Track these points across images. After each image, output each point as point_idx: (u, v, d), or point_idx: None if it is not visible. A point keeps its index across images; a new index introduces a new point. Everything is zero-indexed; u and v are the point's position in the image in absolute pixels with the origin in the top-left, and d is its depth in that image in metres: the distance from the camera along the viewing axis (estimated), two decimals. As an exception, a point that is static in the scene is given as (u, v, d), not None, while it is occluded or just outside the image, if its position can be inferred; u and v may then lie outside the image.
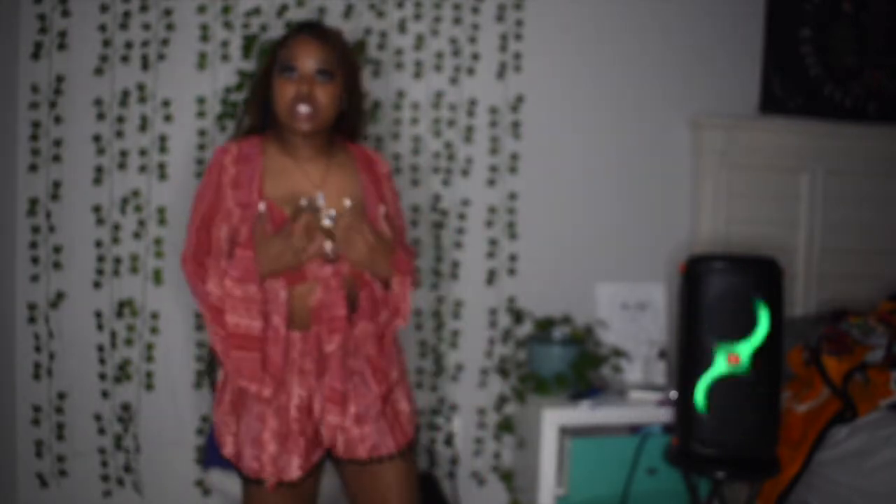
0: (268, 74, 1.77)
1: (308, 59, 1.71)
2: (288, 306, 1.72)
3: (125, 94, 2.67)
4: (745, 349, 2.17)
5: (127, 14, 2.65)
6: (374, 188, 1.84)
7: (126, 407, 2.73)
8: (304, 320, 1.75)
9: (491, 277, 2.92)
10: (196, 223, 1.77)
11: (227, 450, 1.78)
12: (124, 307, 2.71)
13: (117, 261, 2.71)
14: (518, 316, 2.93)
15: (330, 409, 1.75)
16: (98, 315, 2.70)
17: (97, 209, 2.69)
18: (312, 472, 1.80)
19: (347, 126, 1.86)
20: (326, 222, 1.71)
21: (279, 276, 1.71)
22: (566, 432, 2.60)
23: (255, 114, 1.83)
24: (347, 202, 1.74)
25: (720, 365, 2.18)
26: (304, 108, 1.71)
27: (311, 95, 1.71)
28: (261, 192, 1.72)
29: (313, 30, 1.76)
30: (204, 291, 1.72)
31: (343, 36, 1.83)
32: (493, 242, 2.92)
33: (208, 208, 1.75)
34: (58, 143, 2.66)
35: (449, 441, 2.90)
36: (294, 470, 1.74)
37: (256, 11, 2.72)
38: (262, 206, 1.70)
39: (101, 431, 2.72)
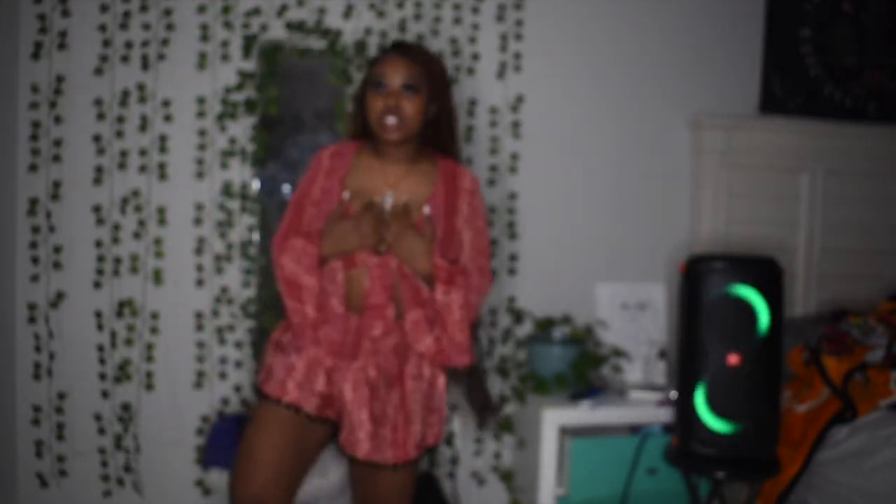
0: (364, 90, 1.96)
1: (395, 76, 1.90)
2: (345, 288, 1.89)
3: (125, 94, 2.67)
4: (744, 349, 2.17)
5: (127, 14, 2.66)
6: (450, 199, 1.97)
7: (126, 407, 2.73)
8: (354, 302, 1.91)
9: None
10: (292, 206, 1.98)
11: (260, 375, 1.96)
12: (124, 307, 2.71)
13: (117, 261, 2.71)
14: (518, 316, 2.93)
15: (356, 386, 1.89)
16: (98, 315, 2.71)
17: (97, 209, 2.69)
18: (323, 424, 1.93)
19: (439, 139, 2.03)
20: (386, 203, 1.92)
21: (337, 260, 1.89)
22: (566, 432, 2.60)
23: (357, 124, 2.04)
24: (427, 209, 1.92)
25: (720, 365, 2.17)
26: (391, 120, 1.89)
27: (397, 108, 1.89)
28: (343, 182, 1.94)
29: (400, 48, 1.95)
30: (280, 264, 1.90)
31: (429, 53, 1.99)
32: (493, 242, 2.92)
33: (302, 194, 1.98)
34: (58, 143, 2.66)
35: (449, 441, 2.90)
36: (313, 402, 1.89)
37: (256, 11, 2.72)
38: (346, 195, 1.91)
39: (101, 431, 2.72)
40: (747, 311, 2.18)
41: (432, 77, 1.94)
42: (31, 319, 2.68)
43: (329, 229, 1.88)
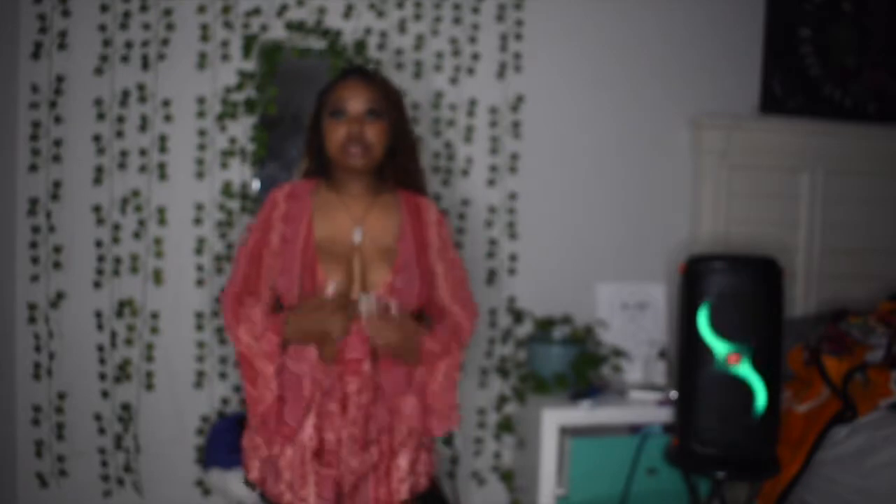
0: (318, 120, 1.86)
1: (356, 101, 1.79)
2: (318, 364, 1.77)
3: (125, 94, 2.67)
4: (745, 349, 2.17)
5: (127, 14, 2.66)
6: (417, 233, 1.87)
7: (126, 407, 2.73)
8: (329, 356, 1.78)
9: (491, 277, 2.92)
10: (245, 257, 1.84)
11: (252, 474, 1.83)
12: (124, 307, 2.71)
13: (117, 261, 2.71)
14: (518, 316, 2.93)
15: (355, 452, 1.78)
16: (98, 315, 2.70)
17: (97, 209, 2.69)
18: None
19: (399, 170, 1.90)
20: (363, 306, 1.76)
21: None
22: (566, 432, 2.60)
23: (311, 158, 1.92)
24: (393, 305, 1.78)
25: (720, 364, 2.18)
26: (355, 148, 1.78)
27: (361, 134, 1.78)
28: (310, 228, 1.80)
29: (359, 73, 1.85)
30: (236, 336, 1.80)
31: (387, 78, 1.90)
32: (493, 242, 2.92)
33: (257, 242, 1.83)
34: (58, 143, 2.66)
35: (449, 441, 2.90)
36: (312, 499, 1.77)
37: (256, 11, 2.72)
38: (330, 288, 1.75)
39: (101, 431, 2.72)
40: (747, 310, 2.18)
41: (392, 102, 1.84)
42: (31, 319, 2.68)
43: (295, 320, 1.76)
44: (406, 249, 1.83)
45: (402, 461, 1.84)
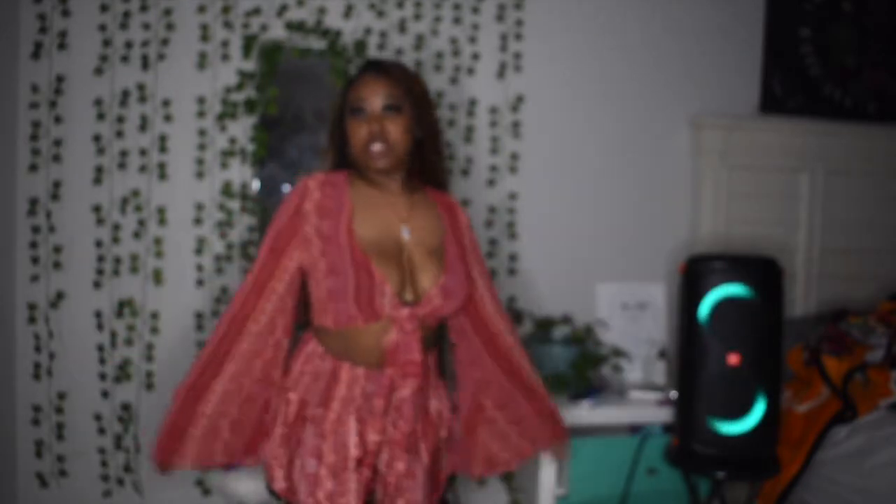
0: (341, 117, 1.77)
1: (374, 98, 1.71)
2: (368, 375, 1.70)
3: (125, 94, 2.67)
4: (745, 350, 2.17)
5: (127, 14, 2.66)
6: (455, 235, 1.83)
7: (126, 407, 2.73)
8: (375, 359, 1.70)
9: (491, 278, 2.92)
10: (266, 247, 1.72)
11: (278, 485, 1.72)
12: (124, 307, 2.71)
13: (117, 261, 2.71)
14: (518, 316, 2.92)
15: (399, 455, 1.71)
16: (98, 315, 2.70)
17: (97, 209, 2.69)
18: None
19: (426, 167, 1.82)
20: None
21: (358, 318, 1.67)
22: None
23: (335, 156, 1.82)
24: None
25: (720, 364, 2.18)
26: (377, 147, 1.69)
27: (382, 132, 1.70)
28: (350, 225, 1.68)
29: (375, 67, 1.76)
30: (245, 327, 1.72)
31: (409, 70, 1.80)
32: (493, 242, 2.92)
33: (280, 233, 1.71)
34: (58, 143, 2.66)
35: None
36: None
37: (256, 11, 2.72)
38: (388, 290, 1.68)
39: (101, 431, 2.72)
40: (747, 311, 2.18)
41: (414, 96, 1.75)
42: (31, 319, 2.68)
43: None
44: (451, 251, 1.78)
45: (445, 463, 1.83)
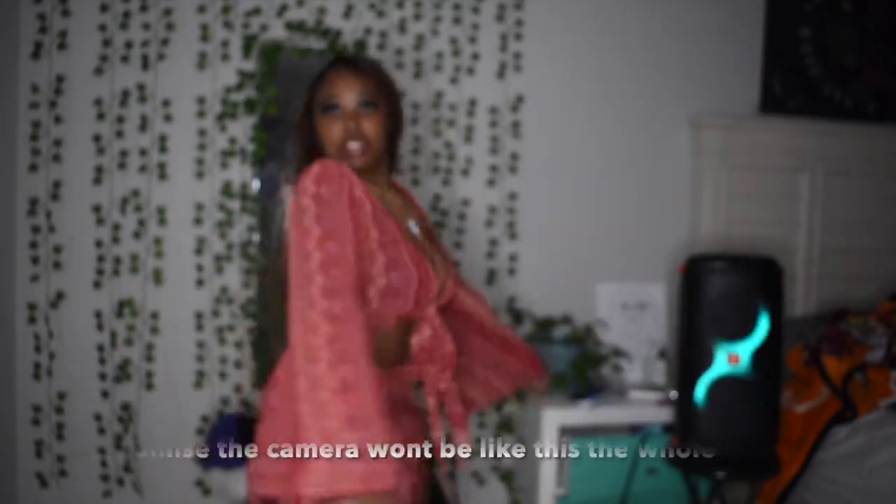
0: (307, 115, 1.69)
1: (348, 94, 1.62)
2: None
3: (125, 94, 2.67)
4: (745, 349, 2.17)
5: (127, 14, 2.66)
6: (425, 220, 1.81)
7: (126, 407, 2.73)
8: (398, 356, 1.63)
9: (491, 277, 2.92)
10: (337, 255, 1.43)
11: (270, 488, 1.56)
12: (124, 307, 2.71)
13: (117, 261, 2.71)
14: (518, 316, 2.92)
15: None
16: (98, 315, 2.70)
17: (97, 209, 2.69)
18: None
19: (394, 161, 1.75)
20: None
21: (410, 315, 1.59)
22: (566, 432, 2.60)
23: (304, 156, 1.71)
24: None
25: (720, 364, 2.17)
26: (354, 145, 1.60)
27: (358, 129, 1.60)
28: (400, 225, 1.60)
29: (348, 63, 1.68)
30: (343, 331, 1.37)
31: (376, 63, 1.74)
32: (493, 242, 2.92)
33: (346, 237, 1.46)
34: (58, 143, 2.66)
35: (449, 441, 2.90)
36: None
37: (256, 11, 2.72)
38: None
39: (101, 431, 2.72)
40: (747, 311, 2.18)
41: (388, 90, 1.68)
42: (31, 319, 2.68)
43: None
44: (433, 236, 1.77)
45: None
